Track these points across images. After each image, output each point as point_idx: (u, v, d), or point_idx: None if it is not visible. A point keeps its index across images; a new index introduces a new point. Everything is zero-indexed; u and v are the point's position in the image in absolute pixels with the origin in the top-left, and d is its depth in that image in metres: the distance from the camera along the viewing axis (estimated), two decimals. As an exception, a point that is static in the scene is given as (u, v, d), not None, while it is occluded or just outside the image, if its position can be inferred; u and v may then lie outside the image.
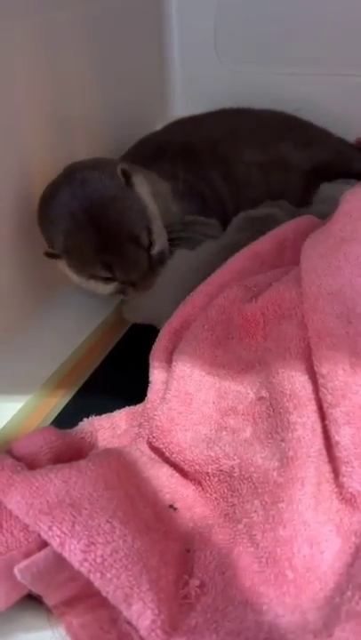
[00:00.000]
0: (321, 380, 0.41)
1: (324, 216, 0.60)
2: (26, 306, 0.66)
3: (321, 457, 0.39)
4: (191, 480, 0.43)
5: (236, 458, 0.41)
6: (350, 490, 0.38)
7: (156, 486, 0.41)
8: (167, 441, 0.43)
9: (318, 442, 0.40)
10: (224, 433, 0.44)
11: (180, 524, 0.39)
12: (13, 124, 0.60)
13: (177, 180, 0.71)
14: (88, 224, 0.57)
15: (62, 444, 0.44)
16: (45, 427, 0.49)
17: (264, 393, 0.44)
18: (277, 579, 0.34)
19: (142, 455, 0.44)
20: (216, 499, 0.41)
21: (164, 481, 0.41)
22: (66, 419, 0.52)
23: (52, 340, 0.64)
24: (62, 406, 0.54)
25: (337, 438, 0.39)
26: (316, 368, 0.42)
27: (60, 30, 0.65)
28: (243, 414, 0.45)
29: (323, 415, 0.41)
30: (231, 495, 0.40)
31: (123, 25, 0.78)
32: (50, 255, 0.60)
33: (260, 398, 0.44)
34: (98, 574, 0.32)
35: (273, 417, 0.42)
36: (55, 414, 0.53)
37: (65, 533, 0.33)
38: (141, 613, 0.31)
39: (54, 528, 0.34)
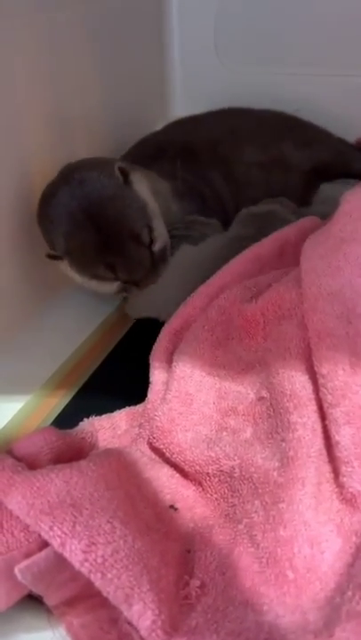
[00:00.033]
0: (321, 381, 0.41)
1: (324, 216, 0.60)
2: (26, 305, 0.66)
3: (321, 457, 0.39)
4: (192, 480, 0.43)
5: (236, 458, 0.41)
6: (351, 490, 0.38)
7: (157, 487, 0.41)
8: (168, 441, 0.43)
9: (319, 442, 0.40)
10: (224, 433, 0.44)
11: (181, 525, 0.39)
12: (14, 123, 0.60)
13: (177, 180, 0.71)
14: (88, 225, 0.57)
15: (63, 445, 0.44)
16: (46, 427, 0.49)
17: (264, 393, 0.44)
18: (278, 579, 0.34)
19: (143, 456, 0.44)
20: (216, 499, 0.41)
21: (165, 481, 0.41)
22: (66, 419, 0.52)
23: (53, 340, 0.64)
24: (63, 406, 0.54)
25: (337, 438, 0.39)
26: (316, 368, 0.42)
27: (61, 30, 0.65)
28: (243, 415, 0.45)
29: (323, 415, 0.41)
30: (232, 495, 0.40)
31: (123, 25, 0.78)
32: (52, 257, 0.60)
33: (261, 398, 0.45)
34: (98, 574, 0.32)
35: (273, 417, 0.42)
36: (55, 414, 0.53)
37: (66, 533, 0.33)
38: (142, 614, 0.31)
39: (55, 528, 0.34)
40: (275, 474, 0.38)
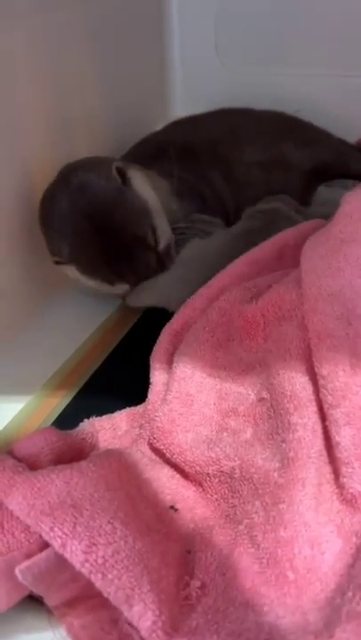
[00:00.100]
0: (321, 382, 0.41)
1: (323, 218, 0.60)
2: (27, 305, 0.66)
3: (322, 458, 0.39)
4: (192, 481, 0.43)
5: (236, 459, 0.41)
6: (351, 490, 0.38)
7: (157, 487, 0.41)
8: (168, 442, 0.44)
9: (319, 443, 0.40)
10: (225, 434, 0.44)
11: (181, 525, 0.39)
12: (15, 123, 0.60)
13: (177, 180, 0.71)
14: (92, 233, 0.57)
15: (63, 445, 0.44)
16: (46, 427, 0.49)
17: (265, 394, 0.44)
18: (278, 580, 0.34)
19: (143, 456, 0.44)
20: (217, 500, 0.41)
21: (165, 482, 0.41)
22: (67, 419, 0.52)
23: (54, 340, 0.64)
24: (63, 407, 0.54)
25: (337, 439, 0.39)
26: (316, 369, 0.42)
27: (61, 30, 0.65)
28: (243, 415, 0.45)
29: (323, 416, 0.41)
30: (232, 496, 0.40)
31: (123, 25, 0.78)
32: (59, 263, 0.60)
33: (261, 399, 0.45)
34: (99, 575, 0.32)
35: (274, 418, 0.43)
36: (56, 415, 0.53)
37: (66, 534, 0.33)
38: (142, 614, 0.31)
39: (55, 529, 0.34)
40: (275, 474, 0.38)
